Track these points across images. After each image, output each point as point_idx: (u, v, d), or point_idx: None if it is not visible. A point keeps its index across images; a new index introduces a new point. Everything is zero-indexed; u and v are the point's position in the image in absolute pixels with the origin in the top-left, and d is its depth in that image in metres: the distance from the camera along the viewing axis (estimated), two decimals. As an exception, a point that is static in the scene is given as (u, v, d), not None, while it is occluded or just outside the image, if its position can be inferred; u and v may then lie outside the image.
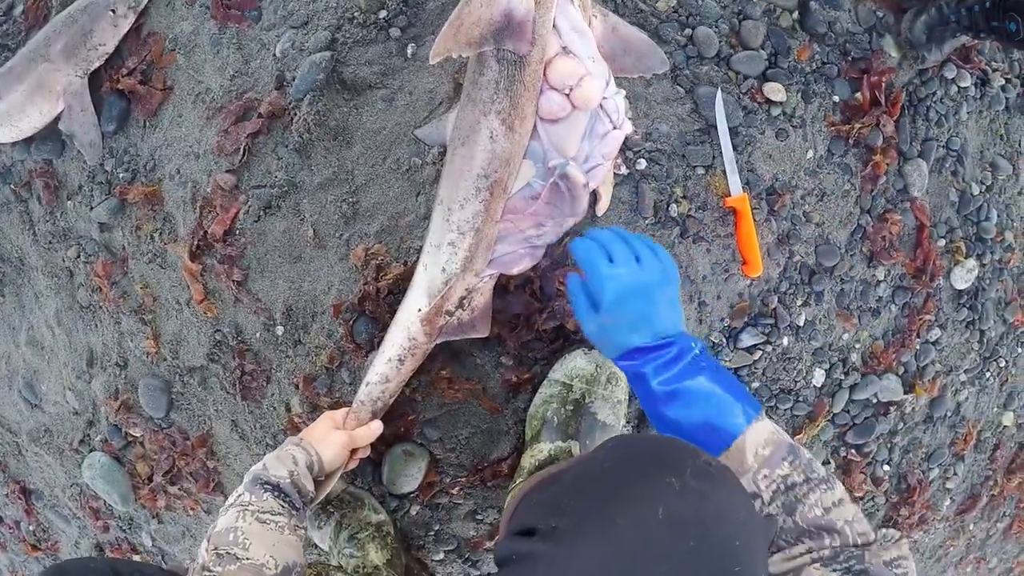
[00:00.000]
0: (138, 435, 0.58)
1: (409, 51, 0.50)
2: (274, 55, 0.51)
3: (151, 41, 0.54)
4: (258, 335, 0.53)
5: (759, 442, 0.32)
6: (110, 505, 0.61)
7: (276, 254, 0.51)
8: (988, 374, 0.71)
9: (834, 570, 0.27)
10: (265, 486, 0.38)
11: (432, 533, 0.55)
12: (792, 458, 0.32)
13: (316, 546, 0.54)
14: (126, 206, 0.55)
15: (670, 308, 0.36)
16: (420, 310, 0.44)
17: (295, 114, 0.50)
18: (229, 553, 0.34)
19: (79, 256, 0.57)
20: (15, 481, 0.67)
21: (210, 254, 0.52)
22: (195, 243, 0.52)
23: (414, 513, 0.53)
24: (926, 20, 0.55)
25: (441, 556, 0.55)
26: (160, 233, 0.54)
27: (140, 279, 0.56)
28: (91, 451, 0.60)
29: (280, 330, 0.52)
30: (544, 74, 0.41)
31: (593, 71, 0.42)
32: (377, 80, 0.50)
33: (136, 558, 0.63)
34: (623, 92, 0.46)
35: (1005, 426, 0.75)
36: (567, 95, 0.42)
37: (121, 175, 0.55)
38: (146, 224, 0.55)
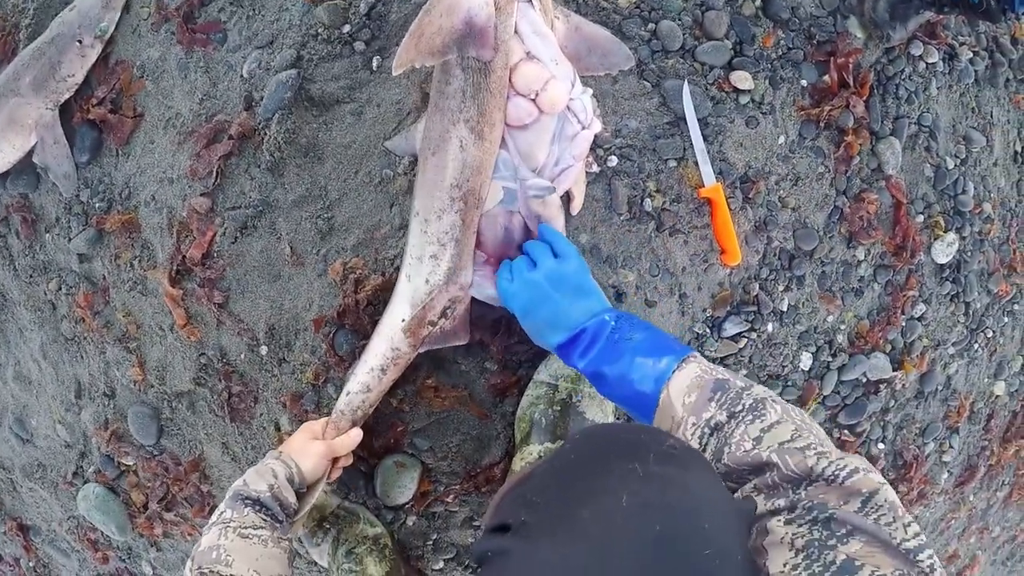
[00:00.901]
0: (131, 463, 0.58)
1: (375, 64, 0.50)
2: (241, 76, 0.51)
3: (119, 69, 0.54)
4: (243, 356, 0.52)
5: (682, 390, 0.31)
6: (108, 536, 0.60)
7: (255, 274, 0.51)
8: (976, 345, 0.71)
9: (799, 525, 0.24)
10: (246, 501, 0.38)
11: (430, 543, 0.54)
12: (719, 395, 0.30)
13: (317, 564, 0.53)
14: (104, 235, 0.55)
15: (577, 297, 0.36)
16: (403, 320, 0.44)
17: (265, 134, 0.50)
18: (212, 571, 0.33)
19: (60, 288, 0.57)
20: (12, 518, 0.66)
21: (190, 278, 0.52)
22: (174, 268, 0.52)
23: (411, 524, 0.53)
24: None
25: (441, 565, 0.55)
26: (139, 260, 0.54)
27: (122, 307, 0.55)
28: (85, 483, 0.60)
29: (264, 350, 0.52)
30: (509, 80, 0.41)
31: (558, 73, 0.42)
32: (344, 95, 0.50)
33: None
34: (590, 91, 0.46)
35: (997, 395, 0.75)
36: (533, 100, 0.42)
37: (97, 205, 0.55)
38: (124, 252, 0.54)
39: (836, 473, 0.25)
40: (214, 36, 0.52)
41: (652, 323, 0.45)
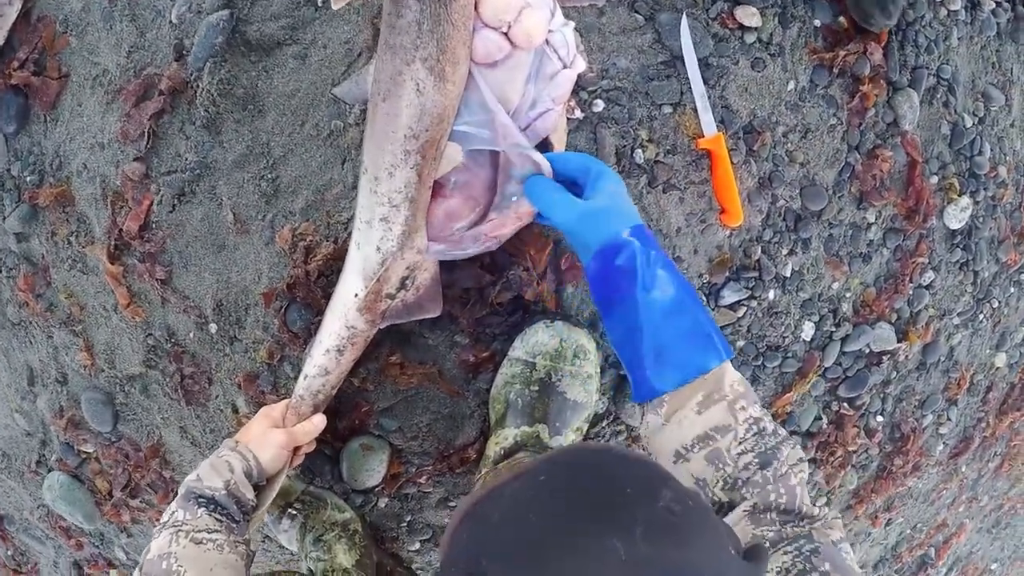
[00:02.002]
0: (91, 451, 0.50)
1: (325, -2, 0.38)
2: (170, 22, 0.40)
3: (41, 26, 0.43)
4: (192, 335, 0.43)
5: (735, 378, 0.27)
6: (78, 524, 0.53)
7: (198, 245, 0.41)
8: (981, 316, 0.60)
9: (786, 552, 0.23)
10: (199, 500, 0.30)
11: (404, 524, 0.46)
12: (759, 404, 0.27)
13: (286, 549, 0.45)
14: (38, 211, 0.45)
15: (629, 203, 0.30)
16: (357, 295, 0.35)
17: (198, 86, 0.39)
18: None
19: (1, 271, 0.47)
20: (-14, 507, 0.59)
21: (129, 253, 0.42)
22: (112, 243, 0.42)
23: (383, 506, 0.45)
24: None
25: (417, 546, 0.47)
26: (76, 236, 0.44)
27: (64, 288, 0.46)
28: (49, 471, 0.52)
29: (213, 327, 0.42)
30: (476, 9, 0.31)
31: (534, 1, 0.31)
32: (286, 36, 0.39)
33: (113, 573, 0.56)
34: (572, 24, 0.34)
35: (998, 367, 0.65)
36: (505, 33, 0.31)
37: (28, 178, 0.45)
38: (61, 228, 0.44)
39: (820, 517, 0.25)
40: (139, -22, 0.40)
41: None
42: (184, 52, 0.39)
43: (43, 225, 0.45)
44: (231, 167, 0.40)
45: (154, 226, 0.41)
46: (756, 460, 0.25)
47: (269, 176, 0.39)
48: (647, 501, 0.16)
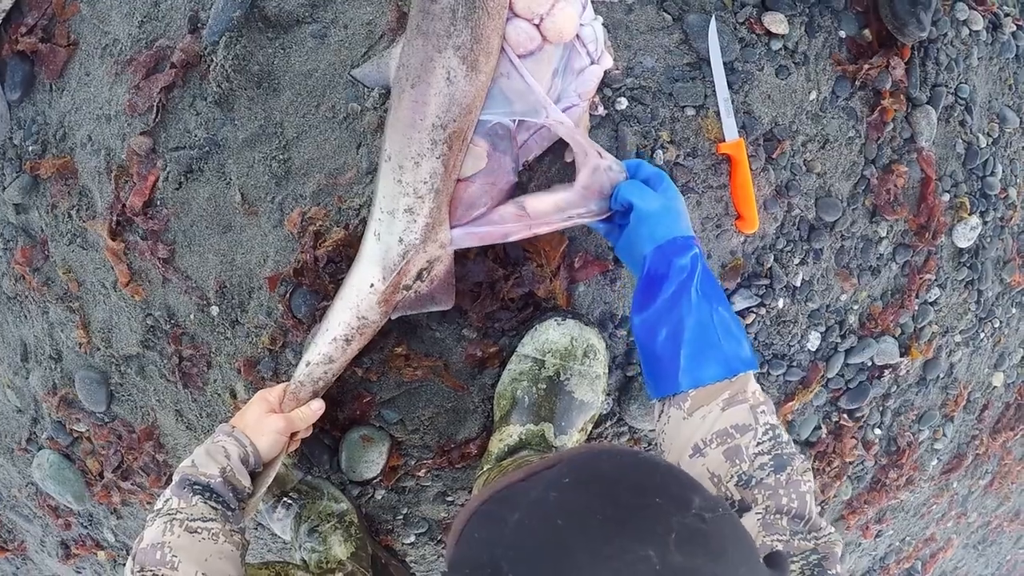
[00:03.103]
0: (83, 430, 0.48)
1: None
2: None
3: (51, -11, 0.41)
4: (192, 317, 0.42)
5: (757, 387, 0.28)
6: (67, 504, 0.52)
7: (203, 224, 0.40)
8: (983, 335, 0.61)
9: (794, 561, 0.23)
10: (194, 488, 0.29)
11: (400, 517, 0.45)
12: (776, 416, 0.27)
13: (279, 538, 0.44)
14: (39, 183, 0.43)
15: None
16: (373, 286, 0.33)
17: (211, 61, 0.37)
18: (157, 574, 0.26)
19: None
20: (-28, 483, 0.57)
21: (131, 230, 0.41)
22: (114, 219, 0.40)
23: (380, 498, 0.44)
24: None
25: (412, 539, 0.46)
26: (77, 210, 0.43)
27: (63, 263, 0.44)
28: (39, 449, 0.51)
29: (215, 310, 0.41)
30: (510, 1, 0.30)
31: None
32: (305, 13, 0.37)
33: (101, 554, 0.54)
34: (601, 19, 0.33)
35: (995, 386, 0.65)
36: (537, 25, 0.30)
37: (31, 148, 0.43)
38: (62, 201, 0.43)
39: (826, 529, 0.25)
40: (154, -55, 0.39)
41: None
42: (199, 25, 0.38)
43: (43, 197, 0.43)
44: (242, 146, 0.38)
45: (159, 203, 0.40)
46: (771, 462, 0.25)
47: (281, 157, 0.38)
48: (679, 509, 0.15)
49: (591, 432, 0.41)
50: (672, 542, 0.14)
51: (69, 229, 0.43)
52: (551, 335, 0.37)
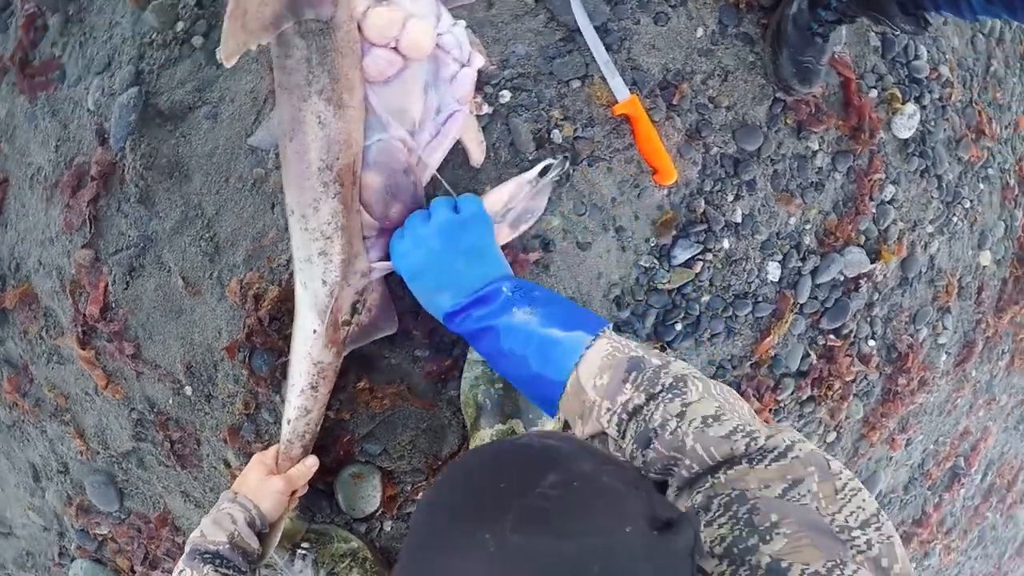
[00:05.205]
0: (105, 532, 0.51)
1: (219, 56, 0.38)
2: (88, 109, 0.41)
3: (-26, 138, 0.44)
4: (171, 401, 0.44)
5: (593, 372, 0.24)
6: None
7: (157, 315, 0.42)
8: (955, 218, 0.58)
9: (720, 526, 0.19)
10: (204, 557, 0.31)
11: (416, 545, 0.46)
12: (634, 375, 0.23)
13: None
14: (7, 313, 0.46)
15: (473, 260, 0.28)
16: (315, 331, 0.35)
17: (124, 165, 0.40)
18: None
19: None
20: (23, 606, 0.61)
21: (97, 336, 0.43)
22: (80, 330, 0.43)
23: (389, 529, 0.45)
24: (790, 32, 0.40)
25: (434, 564, 0.47)
26: (46, 330, 0.45)
27: (46, 382, 0.47)
28: (72, 560, 0.53)
29: (189, 390, 0.43)
30: (361, 32, 0.31)
31: (416, 10, 0.31)
32: (194, 99, 0.39)
33: None
34: (462, 23, 0.34)
35: (984, 266, 0.63)
36: (394, 48, 0.31)
37: (-8, 284, 0.46)
38: (31, 326, 0.46)
39: (761, 454, 0.20)
40: (52, 75, 0.42)
41: (557, 292, 0.36)
42: (106, 135, 0.40)
43: (14, 326, 0.46)
44: (171, 234, 0.40)
45: (114, 305, 0.42)
46: (636, 445, 0.22)
47: (207, 235, 0.40)
48: (523, 489, 0.15)
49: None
50: (509, 524, 0.14)
51: (44, 350, 0.46)
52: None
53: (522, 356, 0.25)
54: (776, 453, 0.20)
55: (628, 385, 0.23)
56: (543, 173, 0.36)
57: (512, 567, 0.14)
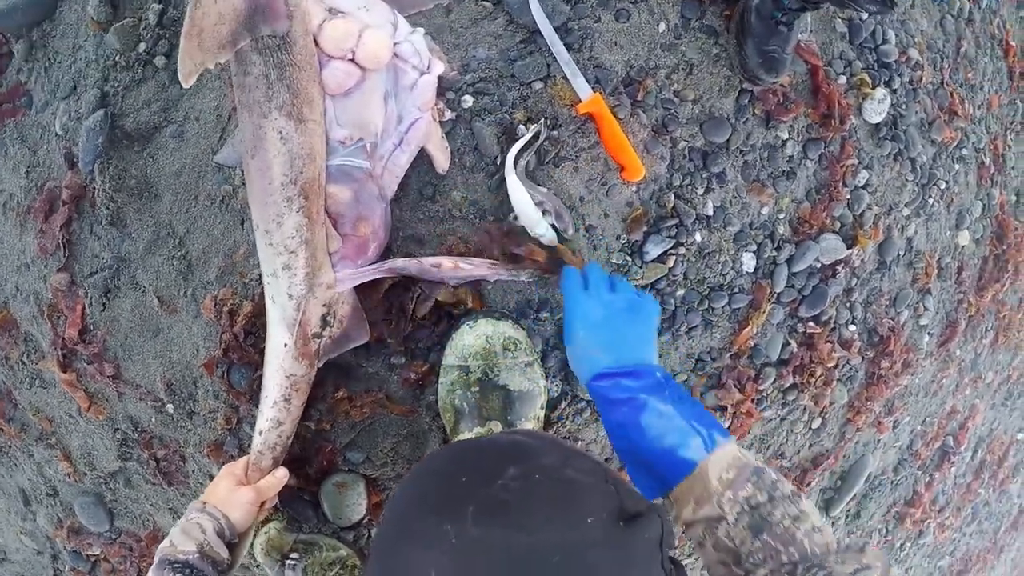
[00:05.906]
0: (98, 552, 0.51)
1: (179, 75, 0.38)
2: (56, 134, 0.41)
3: (-55, 168, 0.44)
4: (153, 419, 0.44)
5: (722, 466, 0.28)
6: None
7: (135, 335, 0.42)
8: (931, 200, 0.58)
9: None
10: (174, 566, 0.31)
11: (406, 550, 0.46)
12: (756, 479, 0.27)
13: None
14: None
15: (641, 341, 0.31)
16: (286, 345, 0.35)
17: (94, 187, 0.40)
18: None
19: None
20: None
21: (77, 358, 0.44)
22: (60, 353, 0.43)
23: None
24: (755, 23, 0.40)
25: (425, 568, 0.47)
26: (27, 355, 0.46)
27: (30, 406, 0.47)
28: None
29: (170, 408, 0.43)
30: (317, 45, 0.31)
31: (371, 21, 0.32)
32: (159, 119, 0.40)
33: None
34: (421, 30, 0.34)
35: (963, 246, 0.63)
36: (351, 60, 0.32)
37: (-29, 312, 0.46)
38: (12, 352, 0.46)
39: (844, 560, 0.23)
40: (20, 102, 0.42)
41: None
42: (75, 159, 0.40)
43: (-4, 353, 0.47)
44: (144, 254, 0.41)
45: (92, 327, 0.42)
46: (749, 532, 0.25)
47: (179, 254, 0.40)
48: (485, 482, 0.15)
49: (548, 417, 0.41)
50: (470, 516, 0.14)
51: (26, 374, 0.46)
52: (466, 340, 0.38)
53: (658, 434, 0.27)
54: (849, 549, 0.24)
55: (750, 484, 0.26)
56: (527, 146, 0.35)
57: (471, 560, 0.14)
